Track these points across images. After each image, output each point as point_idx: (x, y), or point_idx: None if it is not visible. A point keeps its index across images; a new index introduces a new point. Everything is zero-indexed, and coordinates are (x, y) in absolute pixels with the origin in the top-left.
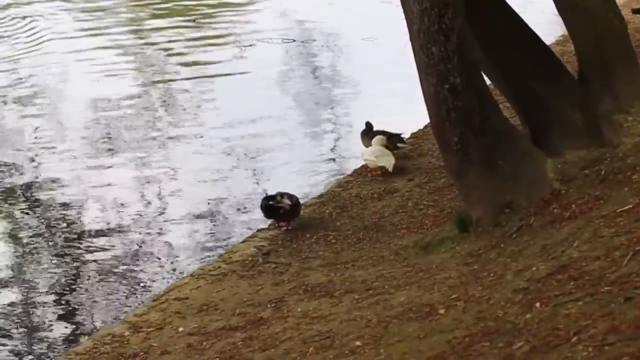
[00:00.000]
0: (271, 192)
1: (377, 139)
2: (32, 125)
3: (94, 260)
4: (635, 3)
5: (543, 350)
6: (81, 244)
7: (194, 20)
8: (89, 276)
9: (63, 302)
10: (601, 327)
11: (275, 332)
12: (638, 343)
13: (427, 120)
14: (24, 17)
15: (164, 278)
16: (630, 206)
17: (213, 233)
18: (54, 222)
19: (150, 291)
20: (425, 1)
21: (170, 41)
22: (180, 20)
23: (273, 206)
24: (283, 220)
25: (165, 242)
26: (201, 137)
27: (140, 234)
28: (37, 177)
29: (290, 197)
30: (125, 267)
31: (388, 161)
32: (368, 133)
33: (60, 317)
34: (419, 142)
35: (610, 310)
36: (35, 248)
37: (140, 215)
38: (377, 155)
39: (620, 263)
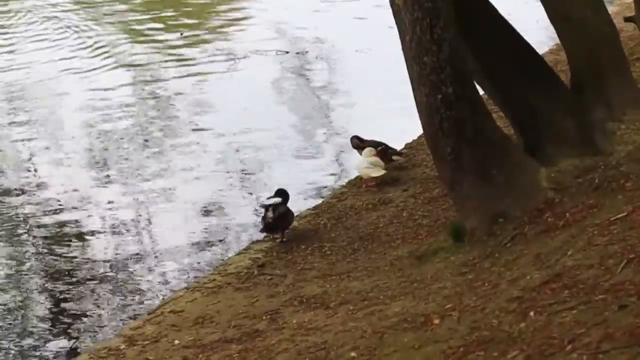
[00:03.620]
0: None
1: (366, 151)
2: (23, 137)
3: (89, 274)
4: (628, 11)
5: (537, 359)
6: (76, 258)
7: (181, 34)
8: (84, 290)
9: (58, 316)
10: (595, 335)
11: (271, 344)
12: (632, 351)
13: (421, 131)
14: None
15: (159, 291)
16: (624, 214)
17: (208, 245)
18: (48, 236)
19: (145, 304)
20: (416, 11)
21: (163, 53)
22: (172, 33)
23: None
24: (271, 232)
25: (161, 255)
26: (195, 149)
27: (135, 247)
28: (33, 198)
29: (276, 208)
30: (120, 280)
31: (378, 172)
32: (362, 146)
33: (56, 332)
34: (413, 152)
35: (604, 318)
36: (30, 262)
37: (135, 228)
38: (371, 166)
39: (614, 271)
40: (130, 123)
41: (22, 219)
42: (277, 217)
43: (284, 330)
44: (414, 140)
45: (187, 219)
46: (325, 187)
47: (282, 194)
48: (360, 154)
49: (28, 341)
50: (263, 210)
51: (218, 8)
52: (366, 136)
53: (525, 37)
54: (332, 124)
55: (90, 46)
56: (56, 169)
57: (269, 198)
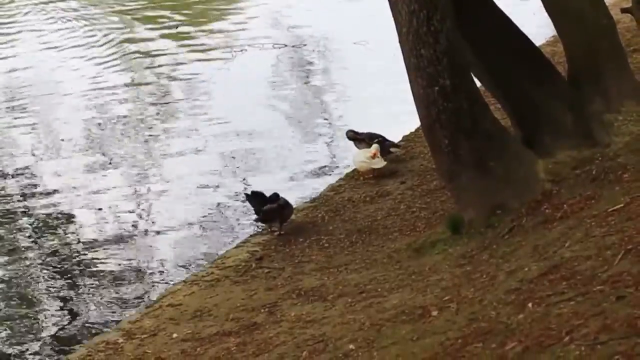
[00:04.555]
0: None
1: (373, 147)
2: (23, 135)
3: (87, 268)
4: (625, 3)
5: (536, 350)
6: (75, 251)
7: (176, 27)
8: (83, 283)
9: (57, 309)
10: (593, 327)
11: (269, 337)
12: (630, 342)
13: (419, 123)
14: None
15: (157, 284)
16: (621, 205)
17: (206, 239)
18: (48, 231)
19: (143, 298)
20: (413, 3)
21: (160, 48)
22: (170, 28)
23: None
24: (267, 222)
25: (159, 248)
26: (193, 141)
27: (133, 241)
28: (32, 187)
29: (273, 200)
30: (118, 274)
31: (379, 163)
32: (358, 139)
33: (55, 325)
34: (410, 144)
35: (602, 310)
36: (29, 257)
37: (133, 223)
38: (367, 160)
39: (611, 262)
40: (127, 116)
41: (18, 209)
42: (275, 208)
43: (282, 323)
44: (411, 133)
45: (185, 211)
46: (323, 179)
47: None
48: (357, 146)
49: (26, 335)
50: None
51: (216, 1)
52: (363, 129)
53: (523, 29)
54: (330, 116)
55: (88, 36)
56: (54, 158)
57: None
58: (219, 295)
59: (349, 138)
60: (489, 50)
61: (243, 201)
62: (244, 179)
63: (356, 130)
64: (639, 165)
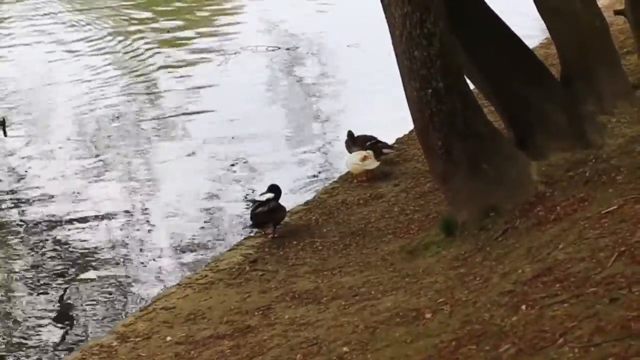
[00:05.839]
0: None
1: (371, 152)
2: (16, 136)
3: (81, 271)
4: (618, 4)
5: (529, 353)
6: (69, 254)
7: (168, 31)
8: (76, 287)
9: (51, 313)
10: (587, 328)
11: (263, 340)
12: (624, 343)
13: (412, 126)
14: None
15: (151, 288)
16: (615, 207)
17: (200, 242)
18: (41, 234)
19: (137, 301)
20: (406, 6)
21: (154, 50)
22: (164, 30)
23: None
24: (261, 227)
25: (152, 251)
26: (186, 143)
27: (126, 243)
28: (27, 191)
29: (267, 203)
30: (112, 277)
31: (372, 164)
32: (353, 141)
33: (49, 329)
34: (404, 147)
35: (595, 311)
36: (23, 259)
37: (127, 226)
38: (360, 162)
39: (605, 264)
40: (122, 119)
41: (12, 213)
42: (266, 211)
43: (276, 326)
44: (404, 135)
45: (179, 214)
46: (317, 182)
47: (274, 189)
48: (349, 150)
49: (20, 339)
50: (252, 205)
51: (210, 4)
52: (357, 131)
53: (516, 31)
54: (323, 118)
55: (83, 39)
56: (47, 162)
57: (261, 194)
58: (213, 298)
59: (348, 136)
60: (482, 53)
61: (245, 207)
62: (238, 182)
63: (353, 133)
64: (632, 167)
